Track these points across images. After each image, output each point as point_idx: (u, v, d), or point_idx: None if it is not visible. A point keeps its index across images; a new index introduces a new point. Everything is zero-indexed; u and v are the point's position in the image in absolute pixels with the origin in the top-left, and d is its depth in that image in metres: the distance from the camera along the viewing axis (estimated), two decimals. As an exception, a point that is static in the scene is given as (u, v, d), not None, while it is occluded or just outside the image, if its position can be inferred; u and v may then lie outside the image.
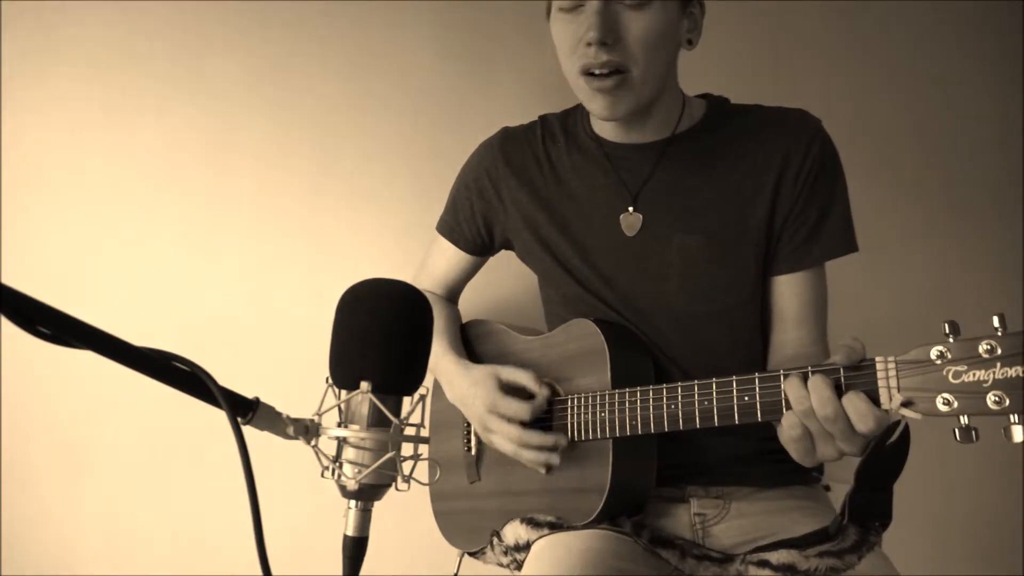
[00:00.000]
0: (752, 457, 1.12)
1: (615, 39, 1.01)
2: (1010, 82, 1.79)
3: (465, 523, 1.27)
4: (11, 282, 0.55)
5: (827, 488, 1.22)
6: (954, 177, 1.77)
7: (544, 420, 1.14)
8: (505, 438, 1.11)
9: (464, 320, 1.37)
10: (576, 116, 1.24)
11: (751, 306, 1.14)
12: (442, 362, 1.24)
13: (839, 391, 0.81)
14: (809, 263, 1.12)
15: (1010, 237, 1.76)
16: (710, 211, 1.12)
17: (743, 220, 1.11)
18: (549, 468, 1.12)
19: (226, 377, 0.65)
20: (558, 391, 1.14)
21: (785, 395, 0.84)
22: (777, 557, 0.98)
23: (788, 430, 0.85)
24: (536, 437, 1.09)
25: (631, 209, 1.14)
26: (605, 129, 1.18)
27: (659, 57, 1.05)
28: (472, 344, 1.32)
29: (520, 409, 1.09)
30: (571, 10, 1.04)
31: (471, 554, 1.26)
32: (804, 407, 0.82)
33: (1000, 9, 1.80)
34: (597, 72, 1.03)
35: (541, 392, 1.11)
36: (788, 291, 1.13)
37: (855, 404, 0.79)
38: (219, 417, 0.63)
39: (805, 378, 0.83)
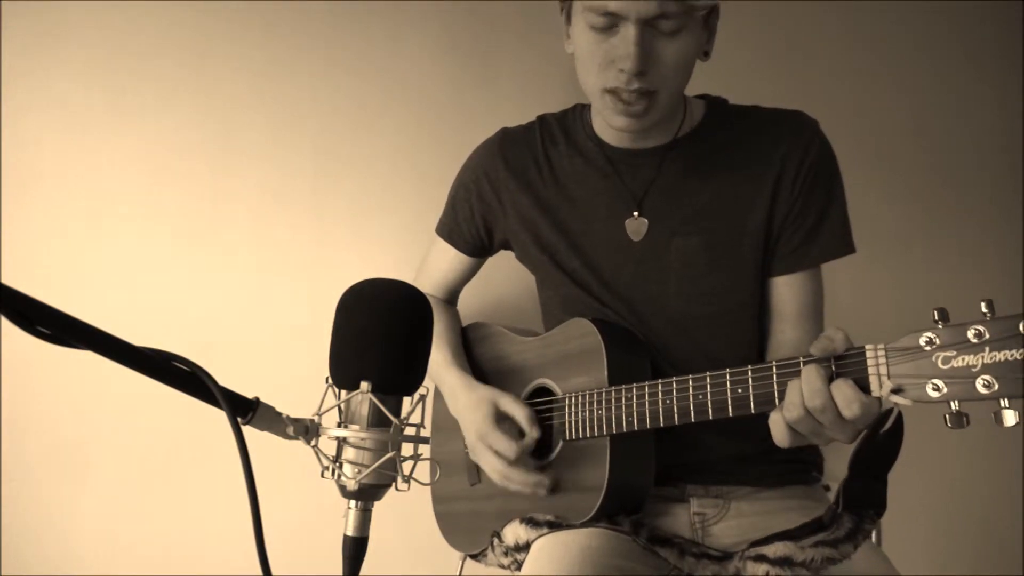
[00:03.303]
0: (752, 457, 1.12)
1: (649, 67, 1.01)
2: (1010, 82, 1.79)
3: (466, 525, 1.27)
4: (11, 282, 0.55)
5: (827, 488, 1.22)
6: (953, 176, 1.77)
7: (543, 419, 1.14)
8: (490, 468, 1.13)
9: (464, 323, 1.37)
10: (575, 117, 1.23)
11: (750, 308, 1.14)
12: (445, 375, 1.24)
13: (829, 380, 0.81)
14: (807, 264, 1.12)
15: (1010, 236, 1.76)
16: (710, 214, 1.12)
17: (742, 222, 1.11)
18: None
19: (226, 377, 0.65)
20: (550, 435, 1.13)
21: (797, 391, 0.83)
22: (773, 550, 0.98)
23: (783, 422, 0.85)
24: (518, 476, 1.10)
25: (636, 214, 1.14)
26: (608, 134, 1.17)
27: (685, 76, 1.07)
28: (471, 347, 1.32)
29: (508, 449, 1.10)
30: (605, 29, 1.02)
31: (472, 556, 1.26)
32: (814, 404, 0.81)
33: (1000, 9, 1.80)
34: (625, 95, 1.02)
35: (531, 434, 1.11)
36: (787, 292, 1.13)
37: (842, 390, 0.79)
38: (219, 417, 0.63)
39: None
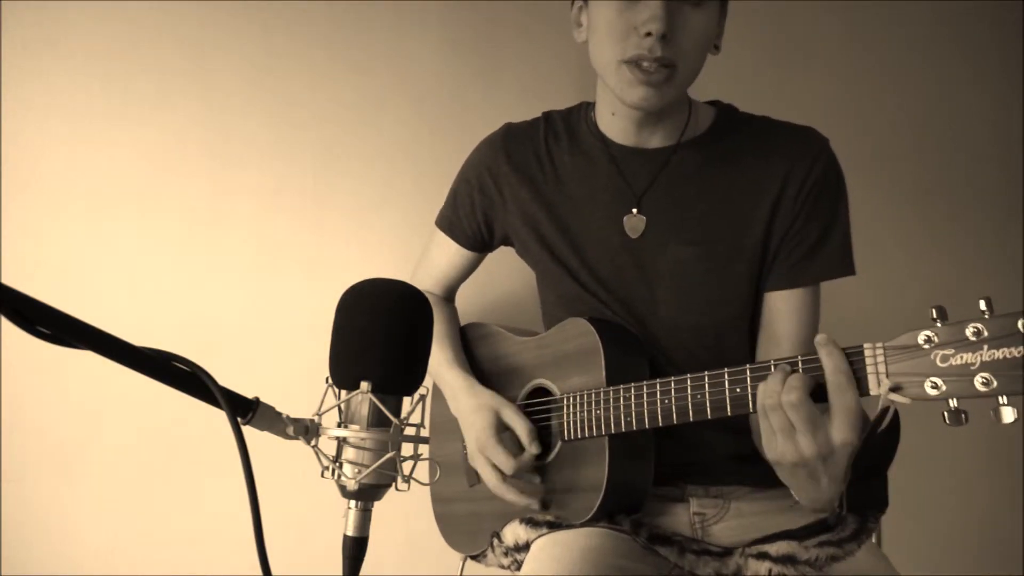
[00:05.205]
0: (752, 456, 1.12)
1: (674, 34, 1.01)
2: (1010, 82, 1.79)
3: (466, 526, 1.27)
4: (11, 282, 0.55)
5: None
6: (953, 178, 1.77)
7: (541, 419, 1.14)
8: (486, 478, 1.14)
9: (463, 322, 1.37)
10: (580, 114, 1.23)
11: (742, 321, 1.14)
12: (447, 374, 1.24)
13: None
14: (805, 282, 1.11)
15: (1010, 237, 1.76)
16: (706, 223, 1.12)
17: (738, 237, 1.11)
18: None
19: (226, 377, 0.65)
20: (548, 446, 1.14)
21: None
22: (776, 548, 0.98)
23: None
24: (511, 495, 1.11)
25: (635, 211, 1.14)
26: (613, 130, 1.17)
27: (702, 57, 1.07)
28: (470, 346, 1.32)
29: (506, 464, 1.10)
30: None
31: (472, 557, 1.26)
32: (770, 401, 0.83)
33: (1000, 9, 1.80)
34: (646, 64, 1.02)
35: (531, 450, 1.11)
36: (783, 307, 1.12)
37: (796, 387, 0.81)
38: (219, 417, 0.63)
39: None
